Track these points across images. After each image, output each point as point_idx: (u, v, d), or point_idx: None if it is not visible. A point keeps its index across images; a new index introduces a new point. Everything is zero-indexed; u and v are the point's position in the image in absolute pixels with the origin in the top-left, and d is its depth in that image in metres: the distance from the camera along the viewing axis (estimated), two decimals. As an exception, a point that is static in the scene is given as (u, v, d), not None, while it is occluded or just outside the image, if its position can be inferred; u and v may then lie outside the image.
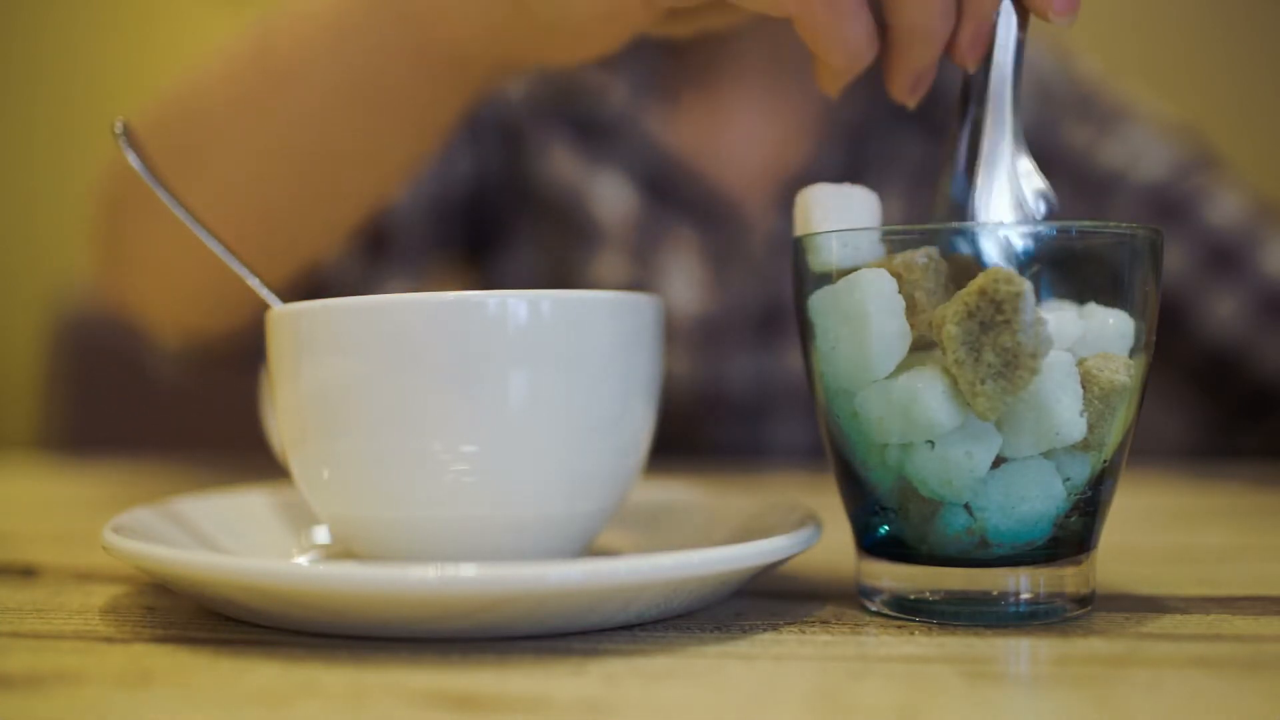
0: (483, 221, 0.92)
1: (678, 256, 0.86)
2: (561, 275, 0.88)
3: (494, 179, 0.91)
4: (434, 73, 0.57)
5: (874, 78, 0.44)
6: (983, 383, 0.33)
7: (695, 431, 0.86)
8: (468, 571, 0.31)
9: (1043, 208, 0.38)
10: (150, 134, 0.50)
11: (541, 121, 0.89)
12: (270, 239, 0.66)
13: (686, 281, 0.86)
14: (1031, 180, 0.38)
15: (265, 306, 0.41)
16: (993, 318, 0.32)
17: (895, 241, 0.35)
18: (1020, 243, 0.34)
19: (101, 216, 0.74)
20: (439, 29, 0.54)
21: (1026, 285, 0.32)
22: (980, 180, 0.38)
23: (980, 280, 0.33)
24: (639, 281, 0.86)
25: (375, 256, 0.85)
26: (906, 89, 0.42)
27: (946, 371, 0.34)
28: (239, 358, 0.78)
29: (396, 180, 0.67)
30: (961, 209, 0.38)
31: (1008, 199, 0.38)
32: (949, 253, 0.34)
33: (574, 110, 0.89)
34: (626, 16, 0.47)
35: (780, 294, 0.85)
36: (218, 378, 0.80)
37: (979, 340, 0.33)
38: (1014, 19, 0.39)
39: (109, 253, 0.76)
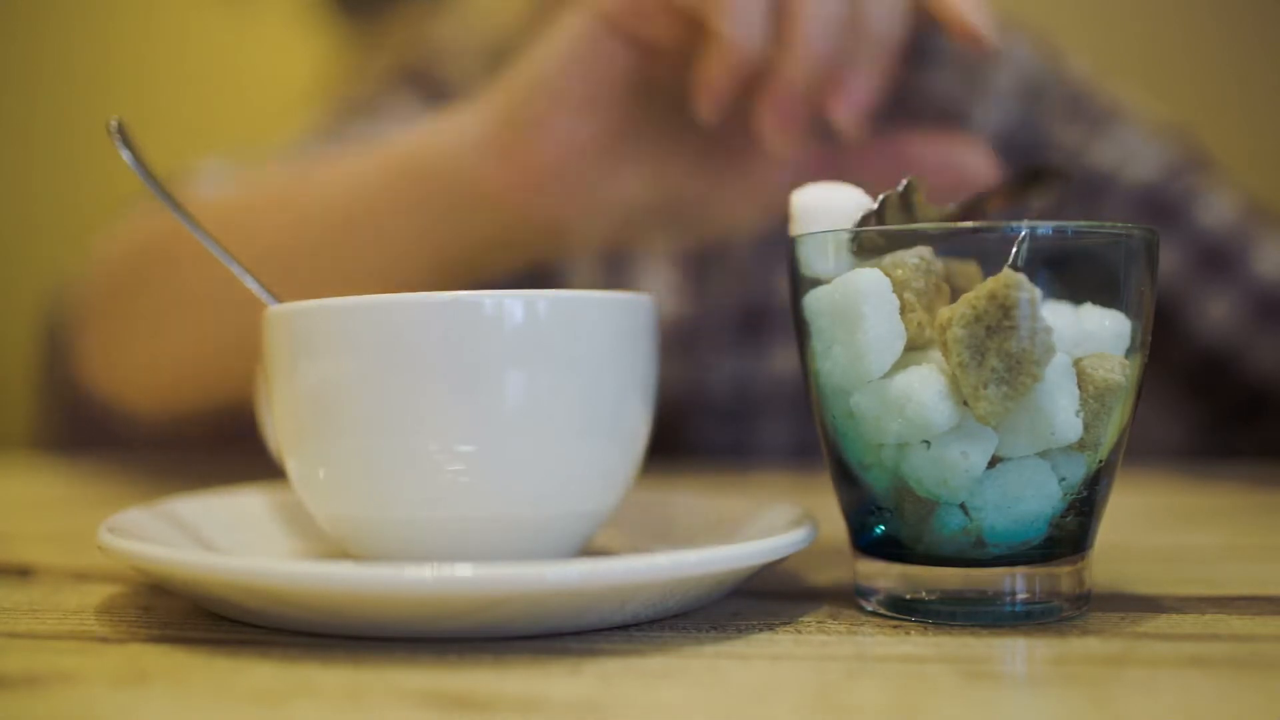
0: None
1: (653, 263, 0.86)
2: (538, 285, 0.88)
3: None
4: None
5: None
6: (985, 387, 0.33)
7: (677, 433, 0.86)
8: (464, 571, 0.31)
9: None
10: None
11: None
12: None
13: (662, 287, 0.85)
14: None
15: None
16: (999, 322, 0.32)
17: (889, 242, 0.35)
18: (1017, 244, 0.34)
19: (104, 294, 0.76)
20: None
21: (1037, 292, 0.32)
22: None
23: (990, 284, 0.32)
24: (613, 288, 0.86)
25: None
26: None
27: (942, 371, 0.34)
28: (210, 431, 0.81)
29: None
30: None
31: None
32: (943, 254, 0.34)
33: None
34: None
35: (762, 297, 0.85)
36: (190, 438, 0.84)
37: (984, 344, 0.32)
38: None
39: (99, 330, 0.78)
